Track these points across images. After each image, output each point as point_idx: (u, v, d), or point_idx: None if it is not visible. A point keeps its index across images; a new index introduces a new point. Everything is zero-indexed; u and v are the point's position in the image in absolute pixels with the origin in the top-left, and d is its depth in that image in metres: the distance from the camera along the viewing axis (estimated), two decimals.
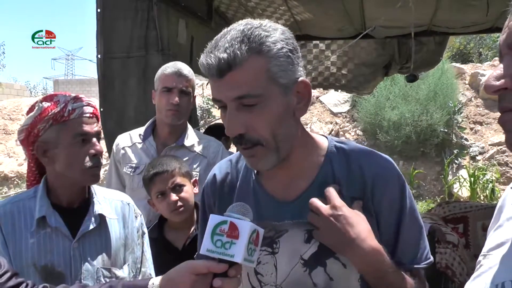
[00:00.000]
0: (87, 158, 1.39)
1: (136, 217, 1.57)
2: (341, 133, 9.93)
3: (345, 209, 0.97)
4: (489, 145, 9.02)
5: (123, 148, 2.21)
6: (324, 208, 0.97)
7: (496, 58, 11.49)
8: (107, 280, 1.41)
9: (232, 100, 0.94)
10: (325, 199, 0.99)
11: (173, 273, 0.97)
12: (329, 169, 1.05)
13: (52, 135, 1.38)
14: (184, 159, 2.06)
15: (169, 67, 2.13)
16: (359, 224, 0.97)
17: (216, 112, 11.07)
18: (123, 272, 1.46)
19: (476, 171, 8.18)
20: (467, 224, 3.49)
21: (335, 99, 10.70)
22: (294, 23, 3.72)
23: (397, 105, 9.09)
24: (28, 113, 1.41)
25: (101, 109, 2.64)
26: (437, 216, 3.49)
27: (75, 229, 1.40)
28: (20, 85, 20.52)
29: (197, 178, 2.03)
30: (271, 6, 3.38)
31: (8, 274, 1.06)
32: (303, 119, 10.29)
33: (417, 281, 1.04)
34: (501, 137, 9.06)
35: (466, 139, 9.16)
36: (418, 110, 8.88)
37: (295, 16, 3.63)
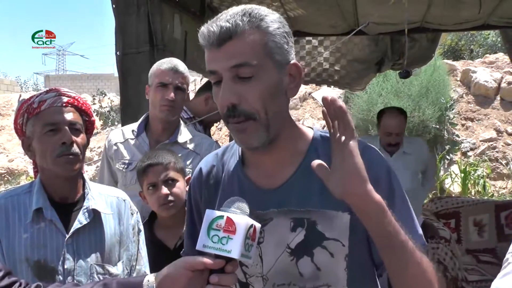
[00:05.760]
0: (56, 147, 1.36)
1: (132, 214, 1.56)
2: None
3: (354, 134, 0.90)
4: (480, 141, 9.09)
5: (115, 144, 2.19)
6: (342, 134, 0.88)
7: (487, 55, 11.57)
8: (100, 277, 1.40)
9: (229, 70, 0.95)
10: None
11: (168, 270, 0.96)
12: (314, 157, 1.03)
13: (30, 128, 1.40)
14: None
15: (165, 62, 2.12)
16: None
17: None
18: (117, 269, 1.45)
19: (467, 166, 8.24)
20: (459, 219, 3.53)
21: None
22: (287, 19, 3.67)
23: (390, 101, 9.11)
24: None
25: (121, 107, 2.66)
26: (429, 212, 3.52)
27: (69, 224, 1.39)
28: (10, 80, 20.34)
29: (190, 174, 2.03)
30: (264, 2, 3.37)
31: (1, 273, 1.05)
32: (295, 115, 10.29)
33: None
34: (492, 133, 9.15)
35: (458, 135, 9.22)
36: (410, 106, 8.91)
37: (288, 12, 3.63)
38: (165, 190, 1.80)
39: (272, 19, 0.99)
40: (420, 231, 1.05)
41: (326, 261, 1.01)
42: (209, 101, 2.66)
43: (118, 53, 2.59)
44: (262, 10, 0.99)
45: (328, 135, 1.07)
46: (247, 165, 1.10)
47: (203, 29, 0.97)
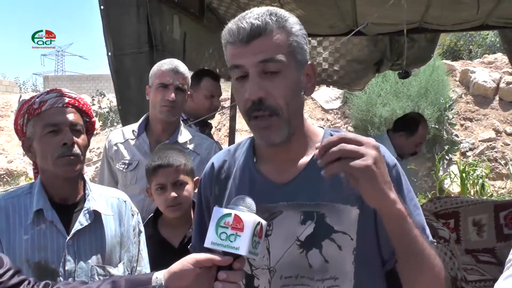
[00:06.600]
0: (57, 148, 1.36)
1: (132, 215, 1.56)
2: None
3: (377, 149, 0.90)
4: (479, 141, 9.11)
5: (115, 145, 2.20)
6: (373, 142, 0.88)
7: (486, 55, 11.58)
8: (101, 278, 1.40)
9: (256, 65, 1.00)
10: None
11: (176, 267, 0.97)
12: None
13: (31, 129, 1.39)
14: None
15: (166, 63, 2.13)
16: None
17: None
18: (118, 271, 1.45)
19: (466, 166, 8.24)
20: (458, 219, 3.53)
21: (327, 96, 10.72)
22: None
23: (389, 101, 9.13)
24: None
25: (120, 107, 2.66)
26: (429, 212, 3.52)
27: (69, 226, 1.39)
28: (9, 81, 20.30)
29: None
30: (263, 2, 3.37)
31: (10, 272, 1.06)
32: None
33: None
34: (491, 133, 9.16)
35: (457, 135, 9.23)
36: (410, 107, 8.92)
37: None
38: (173, 193, 1.80)
39: (294, 20, 1.05)
40: (428, 230, 1.08)
41: (334, 254, 1.03)
42: (193, 97, 2.69)
43: (109, 53, 2.59)
44: (284, 11, 1.04)
45: (338, 133, 1.09)
46: (259, 160, 1.13)
47: (231, 25, 1.01)
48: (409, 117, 3.32)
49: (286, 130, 1.03)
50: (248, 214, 0.92)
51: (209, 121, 3.00)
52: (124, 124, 2.46)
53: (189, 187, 1.86)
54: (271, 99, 1.00)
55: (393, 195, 0.90)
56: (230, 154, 1.19)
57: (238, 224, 0.90)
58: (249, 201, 0.96)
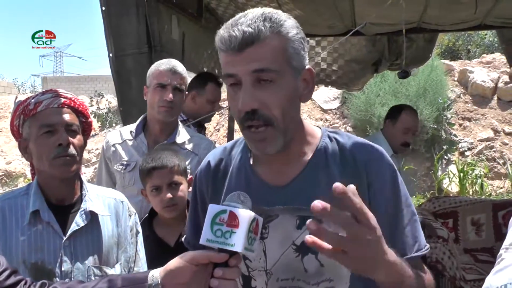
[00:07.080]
0: (53, 149, 1.35)
1: (130, 215, 1.55)
2: None
3: (379, 229, 0.82)
4: (478, 140, 9.11)
5: (113, 145, 2.19)
6: (362, 232, 0.80)
7: (484, 55, 11.60)
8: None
9: (250, 74, 0.96)
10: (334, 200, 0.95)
11: (173, 264, 0.97)
12: (322, 156, 1.07)
13: (27, 130, 1.39)
14: None
15: (163, 63, 2.13)
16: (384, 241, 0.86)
17: None
18: (115, 271, 1.45)
19: (465, 166, 8.25)
20: (457, 219, 3.53)
21: (325, 96, 10.72)
22: None
23: (387, 101, 9.12)
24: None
25: (121, 108, 2.65)
26: (427, 211, 3.52)
27: (66, 226, 1.39)
28: (7, 82, 20.28)
29: (190, 175, 2.03)
30: (261, 2, 3.37)
31: (7, 272, 1.06)
32: None
33: (423, 271, 1.03)
34: (489, 133, 9.16)
35: (455, 135, 9.23)
36: None
37: (286, 13, 3.63)
38: (169, 194, 1.81)
39: (291, 24, 0.99)
40: (422, 236, 1.07)
41: (330, 259, 1.02)
42: (196, 100, 2.73)
43: (110, 55, 2.59)
44: (280, 14, 0.99)
45: (336, 134, 1.10)
46: (256, 161, 1.11)
47: (223, 33, 0.96)
48: (392, 107, 3.33)
49: (282, 140, 1.00)
50: (244, 211, 0.91)
51: (207, 122, 3.01)
52: (125, 125, 2.45)
53: (183, 187, 1.86)
54: (265, 110, 0.97)
55: (385, 271, 0.86)
56: (227, 152, 1.17)
57: (233, 221, 0.89)
58: (245, 197, 0.95)
